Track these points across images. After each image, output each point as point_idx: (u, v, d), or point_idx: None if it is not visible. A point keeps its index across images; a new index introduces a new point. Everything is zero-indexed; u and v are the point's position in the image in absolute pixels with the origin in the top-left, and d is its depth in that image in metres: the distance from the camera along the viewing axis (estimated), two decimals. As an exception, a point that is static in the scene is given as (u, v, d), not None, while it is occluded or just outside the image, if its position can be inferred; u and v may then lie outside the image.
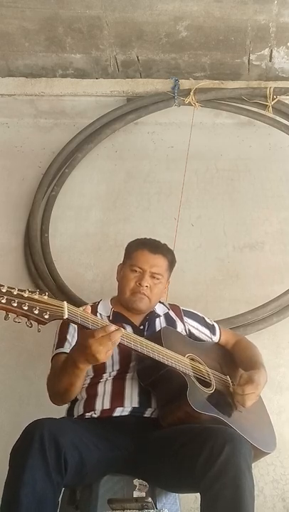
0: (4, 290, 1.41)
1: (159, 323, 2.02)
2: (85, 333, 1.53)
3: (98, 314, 1.99)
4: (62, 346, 1.86)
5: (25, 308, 1.42)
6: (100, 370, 1.85)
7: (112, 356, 1.85)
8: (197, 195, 2.95)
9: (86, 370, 1.67)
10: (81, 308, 1.58)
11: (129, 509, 1.47)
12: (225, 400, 1.81)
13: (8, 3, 2.67)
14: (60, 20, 2.78)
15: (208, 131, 3.14)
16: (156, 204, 2.94)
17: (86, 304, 2.27)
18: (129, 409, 1.77)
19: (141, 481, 1.62)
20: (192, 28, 2.79)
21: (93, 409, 1.79)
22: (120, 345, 1.70)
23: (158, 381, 1.76)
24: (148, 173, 3.04)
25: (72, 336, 1.89)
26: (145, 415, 1.78)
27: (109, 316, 2.00)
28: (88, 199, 2.99)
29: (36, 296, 1.45)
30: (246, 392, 1.77)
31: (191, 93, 3.02)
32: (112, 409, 1.77)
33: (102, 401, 1.80)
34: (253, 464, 1.54)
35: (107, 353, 1.52)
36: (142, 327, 1.98)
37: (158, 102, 3.07)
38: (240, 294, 2.65)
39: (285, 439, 2.26)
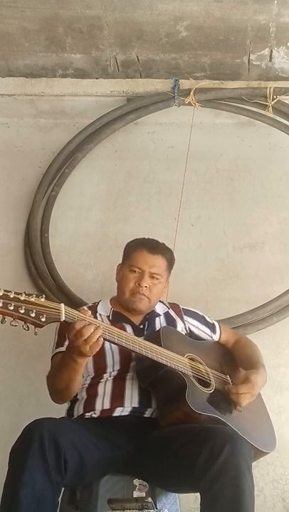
0: (0, 293, 1.41)
1: (159, 323, 2.02)
2: (68, 329, 1.55)
3: (98, 315, 1.98)
4: (62, 345, 1.86)
5: (22, 311, 1.42)
6: (100, 370, 1.85)
7: (113, 356, 1.86)
8: (197, 195, 2.95)
9: (84, 364, 1.67)
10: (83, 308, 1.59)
11: (129, 509, 1.48)
12: (224, 400, 1.80)
13: (8, 3, 2.67)
14: (60, 20, 2.78)
15: (208, 131, 3.14)
16: (156, 204, 2.94)
17: (86, 304, 2.28)
18: (129, 409, 1.77)
19: (141, 481, 1.62)
20: (192, 28, 2.79)
21: (93, 409, 1.79)
22: (119, 346, 1.71)
23: (157, 381, 1.76)
24: (148, 173, 3.04)
25: (72, 336, 1.89)
26: (145, 415, 1.78)
27: (108, 316, 2.00)
28: (88, 199, 2.99)
29: (33, 299, 1.45)
30: (241, 392, 1.77)
31: (191, 93, 3.02)
32: (112, 409, 1.77)
33: (102, 401, 1.80)
34: (252, 464, 1.54)
35: (90, 347, 1.53)
36: (141, 326, 1.98)
37: (158, 102, 3.07)
38: (240, 294, 2.65)
39: (285, 439, 2.26)
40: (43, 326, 1.46)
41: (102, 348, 1.76)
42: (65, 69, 3.10)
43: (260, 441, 1.80)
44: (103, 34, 2.84)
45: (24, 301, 1.43)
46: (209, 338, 2.10)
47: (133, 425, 1.74)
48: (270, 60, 2.98)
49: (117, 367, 1.85)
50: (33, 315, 1.43)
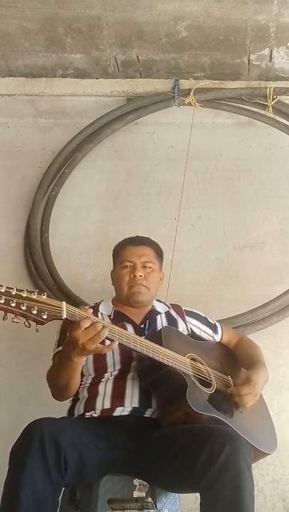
0: (3, 290, 1.41)
1: (160, 321, 2.02)
2: (71, 326, 1.55)
3: (100, 314, 1.99)
4: (62, 345, 1.86)
5: (24, 308, 1.42)
6: (100, 369, 1.85)
7: (114, 356, 1.86)
8: (197, 195, 2.95)
9: (82, 362, 1.68)
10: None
11: (129, 509, 1.48)
12: (225, 401, 1.80)
13: (8, 3, 2.67)
14: (60, 20, 2.78)
15: (208, 131, 3.14)
16: (156, 204, 2.94)
17: (86, 303, 2.28)
18: (130, 409, 1.77)
19: (141, 481, 1.62)
20: (192, 28, 2.79)
21: (93, 409, 1.79)
22: (120, 346, 1.70)
23: (158, 381, 1.76)
24: (148, 173, 3.04)
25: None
26: (145, 415, 1.78)
27: (110, 315, 2.00)
28: (88, 199, 2.99)
29: (35, 296, 1.46)
30: (242, 393, 1.76)
31: (191, 93, 3.02)
32: (113, 408, 1.77)
33: (103, 400, 1.80)
34: (253, 464, 1.54)
35: (94, 345, 1.53)
36: (142, 326, 1.98)
37: (158, 102, 3.07)
38: (240, 294, 2.65)
39: (285, 439, 2.26)
40: (44, 323, 1.46)
41: (103, 348, 1.77)
42: (65, 69, 3.11)
43: (261, 441, 1.80)
44: (103, 34, 2.85)
45: (26, 298, 1.44)
46: (211, 338, 2.11)
47: (133, 425, 1.74)
48: (270, 60, 2.98)
49: (118, 366, 1.85)
50: (34, 312, 1.44)
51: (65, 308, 1.51)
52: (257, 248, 2.78)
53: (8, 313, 1.42)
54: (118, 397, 1.79)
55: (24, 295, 1.44)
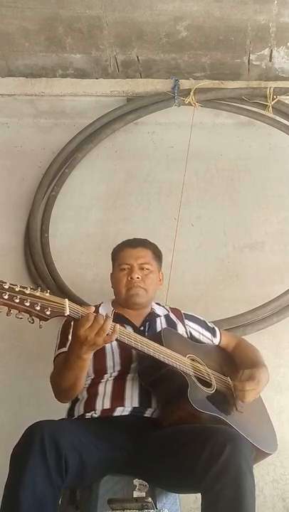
0: (6, 287, 1.43)
1: (160, 324, 2.02)
2: (76, 326, 1.56)
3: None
4: (64, 346, 1.86)
5: (27, 304, 1.44)
6: (100, 370, 1.85)
7: (113, 357, 1.86)
8: (197, 195, 2.95)
9: (89, 360, 1.68)
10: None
11: (129, 509, 1.48)
12: (226, 401, 1.81)
13: (8, 3, 2.67)
14: (60, 20, 2.78)
15: (208, 131, 3.14)
16: (156, 204, 2.94)
17: (86, 304, 2.28)
18: (130, 409, 1.77)
19: (141, 481, 1.62)
20: (192, 28, 2.79)
21: (94, 409, 1.79)
22: (121, 345, 1.71)
23: (159, 380, 1.76)
24: (148, 173, 3.04)
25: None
26: (145, 415, 1.78)
27: (110, 317, 2.00)
28: (88, 199, 2.99)
29: (38, 293, 1.48)
30: (247, 388, 1.77)
31: (191, 93, 3.02)
32: (113, 408, 1.77)
33: (103, 401, 1.80)
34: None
35: (103, 338, 1.55)
36: (142, 328, 1.98)
37: (158, 102, 3.07)
38: (240, 294, 2.65)
39: (285, 439, 2.26)
40: (47, 319, 1.48)
41: (103, 349, 1.77)
42: (65, 69, 3.11)
43: (262, 442, 1.81)
44: (103, 34, 2.85)
45: (29, 295, 1.45)
46: (210, 342, 2.11)
47: (133, 425, 1.74)
48: (270, 60, 2.98)
49: (118, 368, 1.85)
50: (38, 308, 1.45)
51: (67, 305, 1.52)
52: (257, 248, 2.78)
53: (12, 309, 1.43)
54: (118, 397, 1.79)
55: (27, 292, 1.45)
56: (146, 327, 1.99)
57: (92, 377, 1.86)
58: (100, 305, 2.09)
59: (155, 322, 2.02)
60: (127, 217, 2.91)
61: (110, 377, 1.84)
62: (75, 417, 1.83)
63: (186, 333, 2.06)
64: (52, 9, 2.71)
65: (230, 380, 1.93)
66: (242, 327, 2.46)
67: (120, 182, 3.03)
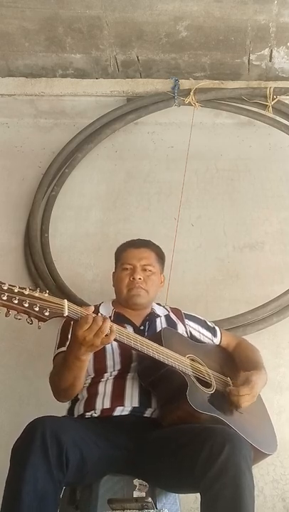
0: (5, 287, 1.42)
1: (160, 324, 2.02)
2: (77, 325, 1.56)
3: (99, 315, 1.98)
4: (64, 345, 1.86)
5: (26, 305, 1.44)
6: (100, 370, 1.85)
7: (113, 356, 1.86)
8: (197, 195, 2.95)
9: (88, 361, 1.68)
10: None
11: (129, 509, 1.48)
12: (225, 401, 1.80)
13: (8, 3, 2.67)
14: (60, 20, 2.78)
15: (208, 131, 3.14)
16: (156, 204, 2.94)
17: (86, 304, 2.28)
18: (130, 408, 1.77)
19: (141, 481, 1.62)
20: (192, 28, 2.79)
21: (93, 409, 1.79)
22: (121, 345, 1.71)
23: (158, 380, 1.76)
24: (148, 173, 3.04)
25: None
26: (145, 415, 1.78)
27: (110, 317, 2.00)
28: (88, 199, 2.99)
29: (37, 294, 1.47)
30: (241, 393, 1.77)
31: (191, 93, 3.02)
32: (113, 408, 1.77)
33: (103, 400, 1.80)
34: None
35: (101, 340, 1.55)
36: (142, 327, 1.98)
37: (158, 102, 3.07)
38: (240, 294, 2.65)
39: (285, 439, 2.26)
40: (46, 320, 1.47)
41: (103, 348, 1.77)
42: (65, 69, 3.11)
43: (262, 442, 1.81)
44: (103, 34, 2.85)
45: (28, 296, 1.45)
46: (210, 341, 2.11)
47: (133, 425, 1.74)
48: (270, 60, 2.98)
49: (118, 367, 1.85)
50: (36, 309, 1.45)
51: (66, 306, 1.52)
52: (257, 248, 2.78)
53: (11, 310, 1.43)
54: (118, 397, 1.79)
55: (26, 292, 1.45)
56: (146, 326, 1.99)
57: (92, 376, 1.86)
58: (100, 304, 2.09)
59: (155, 322, 2.02)
60: (127, 217, 2.91)
61: (110, 376, 1.85)
62: (75, 416, 1.83)
63: (186, 332, 2.06)
64: (52, 9, 2.71)
65: (230, 380, 1.93)
66: (242, 327, 2.46)
67: (120, 182, 3.03)
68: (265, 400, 2.02)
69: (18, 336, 2.54)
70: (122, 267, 2.07)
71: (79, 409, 1.83)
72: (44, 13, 2.73)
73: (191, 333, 2.08)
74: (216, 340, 2.13)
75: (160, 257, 2.15)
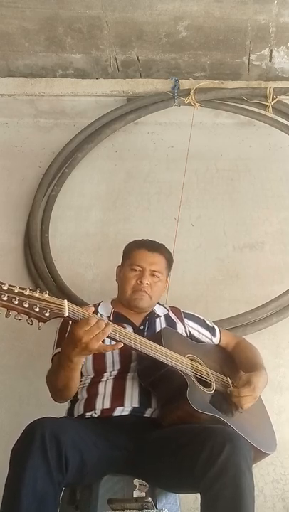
0: (5, 288, 1.42)
1: (160, 324, 2.02)
2: (74, 326, 1.55)
3: (99, 314, 1.99)
4: (61, 346, 1.86)
5: (26, 305, 1.43)
6: (100, 369, 1.85)
7: (113, 356, 1.86)
8: (197, 195, 2.95)
9: (81, 363, 1.68)
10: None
11: (129, 509, 1.48)
12: (225, 401, 1.81)
13: (8, 3, 2.67)
14: (60, 20, 2.78)
15: (208, 131, 3.14)
16: (156, 204, 2.94)
17: (86, 304, 2.28)
18: (130, 408, 1.77)
19: (141, 481, 1.62)
20: (192, 28, 2.79)
21: (93, 409, 1.79)
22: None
23: (158, 381, 1.76)
24: (148, 173, 3.04)
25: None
26: (145, 415, 1.78)
27: (109, 317, 2.00)
28: (88, 199, 2.99)
29: (37, 294, 1.47)
30: (242, 395, 1.77)
31: (191, 93, 3.02)
32: (113, 408, 1.77)
33: (103, 400, 1.80)
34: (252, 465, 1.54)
35: (98, 343, 1.54)
36: (142, 327, 1.98)
37: (158, 102, 3.07)
38: (240, 294, 2.65)
39: (285, 439, 2.26)
40: (46, 320, 1.47)
41: (103, 348, 1.77)
42: (65, 69, 3.10)
43: (261, 442, 1.80)
44: (103, 34, 2.84)
45: (28, 296, 1.45)
46: (209, 341, 2.11)
47: (133, 425, 1.74)
48: (270, 60, 2.98)
49: (118, 367, 1.85)
50: (37, 309, 1.44)
51: (67, 307, 1.52)
52: (257, 248, 2.78)
53: (11, 311, 1.42)
54: (118, 397, 1.79)
55: (26, 293, 1.45)
56: (146, 326, 1.99)
57: (92, 376, 1.86)
58: (99, 304, 2.08)
59: (155, 322, 2.02)
60: (127, 217, 2.91)
61: (110, 376, 1.84)
62: (75, 416, 1.83)
63: (186, 332, 2.06)
64: (52, 9, 2.71)
65: (230, 380, 1.93)
66: (242, 327, 2.46)
67: (120, 182, 3.03)
68: (265, 400, 2.02)
69: (18, 337, 2.54)
70: (130, 266, 2.04)
71: (79, 409, 1.83)
72: (44, 13, 2.73)
73: (190, 332, 2.08)
74: (216, 340, 2.13)
75: (169, 263, 2.13)
